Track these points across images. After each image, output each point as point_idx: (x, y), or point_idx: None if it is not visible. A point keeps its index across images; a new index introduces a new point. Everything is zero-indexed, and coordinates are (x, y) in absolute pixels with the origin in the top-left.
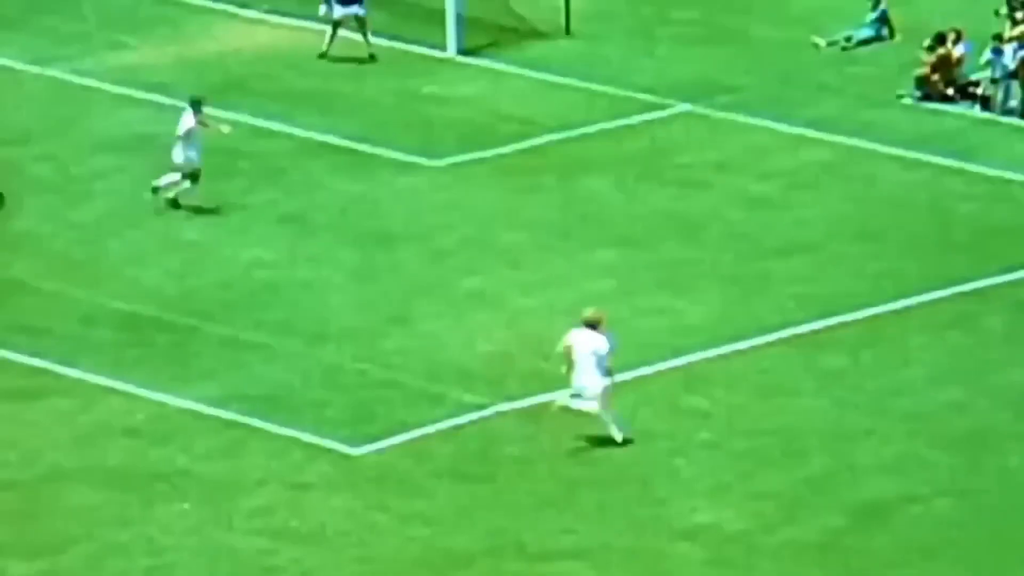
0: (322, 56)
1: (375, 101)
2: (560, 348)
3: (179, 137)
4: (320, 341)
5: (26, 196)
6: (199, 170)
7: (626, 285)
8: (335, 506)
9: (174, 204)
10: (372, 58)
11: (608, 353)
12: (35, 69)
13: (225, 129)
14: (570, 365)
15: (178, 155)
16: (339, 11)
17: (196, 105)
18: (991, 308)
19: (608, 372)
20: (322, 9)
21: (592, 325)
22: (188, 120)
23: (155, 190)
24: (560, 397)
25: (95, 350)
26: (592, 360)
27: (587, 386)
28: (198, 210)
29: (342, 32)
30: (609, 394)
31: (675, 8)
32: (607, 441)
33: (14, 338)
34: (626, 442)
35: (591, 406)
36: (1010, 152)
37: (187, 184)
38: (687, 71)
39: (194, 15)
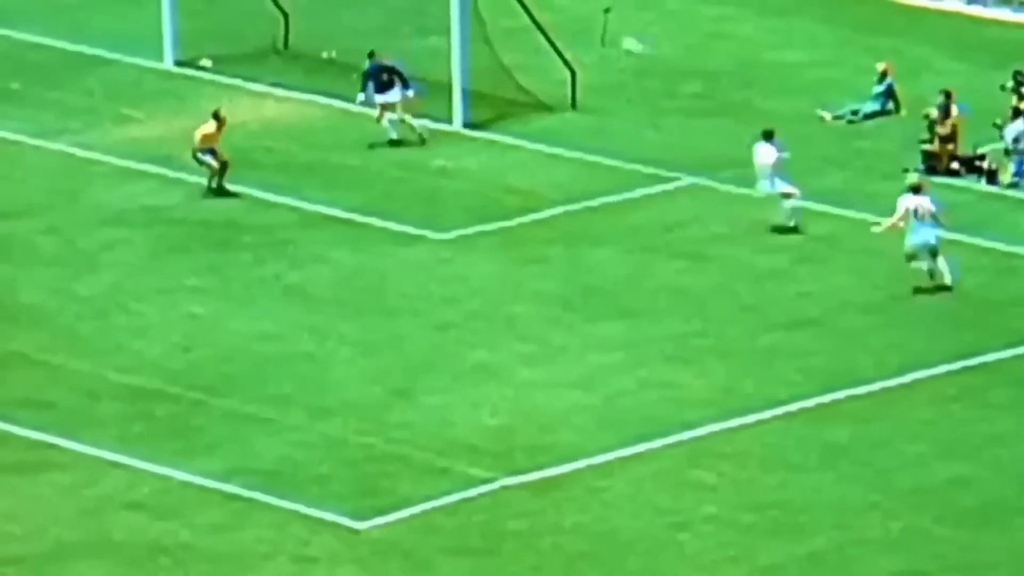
0: (394, 143)
1: (380, 174)
2: (898, 215)
3: (768, 167)
4: (324, 415)
5: (31, 269)
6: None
7: (632, 358)
8: None
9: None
10: (422, 141)
11: (936, 210)
12: (41, 142)
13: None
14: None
15: (767, 188)
16: (379, 98)
17: (769, 136)
18: (997, 382)
19: (940, 224)
20: (359, 97)
21: (916, 189)
22: (769, 154)
23: (794, 229)
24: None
25: (99, 424)
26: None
27: (928, 241)
28: (201, 284)
29: (355, 108)
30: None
31: (681, 82)
32: (612, 515)
33: (18, 411)
34: (947, 288)
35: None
36: (1016, 226)
37: (791, 204)
38: (693, 144)
39: (200, 88)
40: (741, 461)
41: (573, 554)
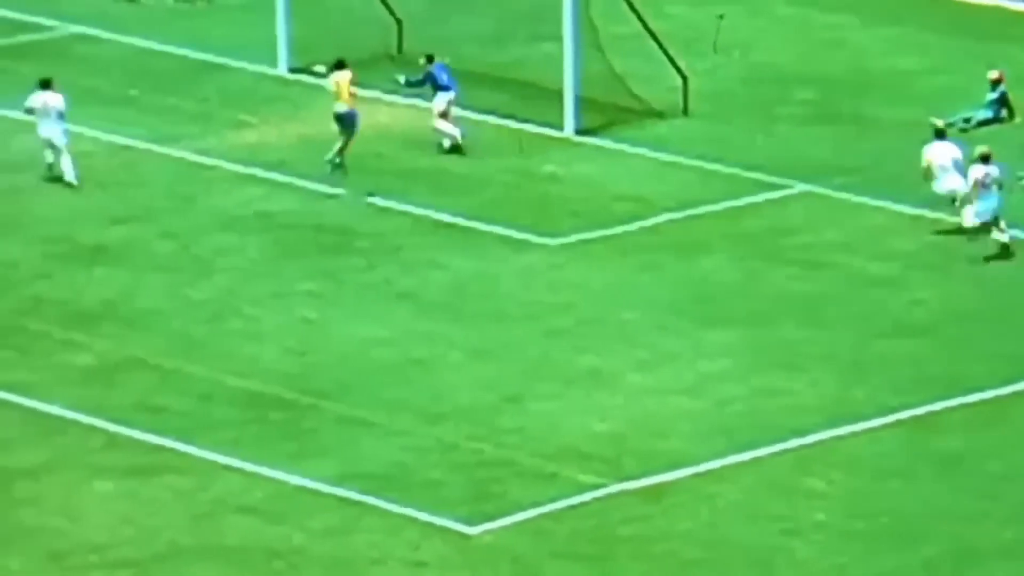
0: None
1: (491, 180)
2: (969, 187)
3: (955, 163)
4: (436, 420)
5: (147, 274)
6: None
7: (743, 365)
8: None
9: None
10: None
11: (1000, 176)
12: (157, 148)
13: None
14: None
15: (951, 186)
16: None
17: (942, 135)
18: None
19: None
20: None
21: (986, 158)
22: (951, 150)
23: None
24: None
25: (213, 427)
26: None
27: (993, 208)
28: (315, 289)
29: (462, 112)
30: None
31: (793, 88)
32: (723, 521)
33: (133, 415)
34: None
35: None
36: None
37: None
38: (805, 151)
39: (315, 94)
40: (852, 469)
41: (685, 560)
